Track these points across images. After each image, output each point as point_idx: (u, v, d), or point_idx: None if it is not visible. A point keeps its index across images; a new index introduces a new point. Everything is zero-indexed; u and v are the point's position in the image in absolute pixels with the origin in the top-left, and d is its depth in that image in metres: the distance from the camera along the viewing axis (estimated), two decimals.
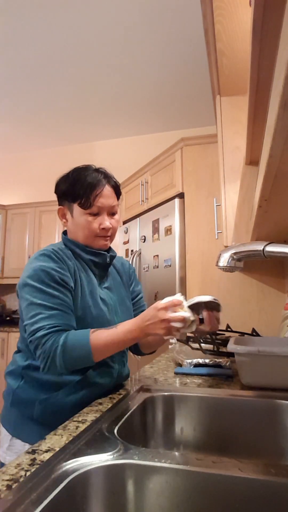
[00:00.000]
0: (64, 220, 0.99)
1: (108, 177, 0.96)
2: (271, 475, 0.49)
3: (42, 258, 0.87)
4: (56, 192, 0.98)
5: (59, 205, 0.99)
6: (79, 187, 0.92)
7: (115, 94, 3.19)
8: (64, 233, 1.02)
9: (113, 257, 1.02)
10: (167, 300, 0.79)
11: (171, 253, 2.25)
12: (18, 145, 4.18)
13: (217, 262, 1.11)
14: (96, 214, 0.93)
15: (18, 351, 0.96)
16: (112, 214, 0.96)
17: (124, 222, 3.02)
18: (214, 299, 0.84)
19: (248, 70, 0.88)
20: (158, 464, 0.53)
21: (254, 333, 1.68)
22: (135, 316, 1.07)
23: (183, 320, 0.76)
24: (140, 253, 2.64)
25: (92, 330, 0.81)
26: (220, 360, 1.15)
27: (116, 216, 0.98)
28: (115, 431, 0.65)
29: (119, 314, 0.99)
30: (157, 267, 2.40)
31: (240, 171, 1.73)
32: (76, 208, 0.93)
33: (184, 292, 2.18)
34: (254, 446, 0.83)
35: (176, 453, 0.56)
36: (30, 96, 3.22)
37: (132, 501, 0.53)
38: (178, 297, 0.80)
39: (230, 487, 0.50)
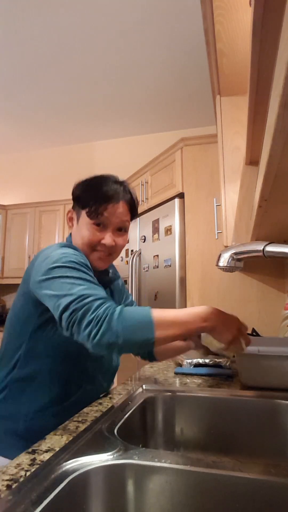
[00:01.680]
0: (70, 224, 0.94)
1: (126, 192, 0.90)
2: (271, 475, 0.49)
3: (65, 249, 0.82)
4: (72, 195, 0.93)
5: (72, 208, 0.94)
6: (91, 195, 0.86)
7: (115, 94, 3.18)
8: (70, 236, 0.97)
9: (116, 276, 0.97)
10: None
11: (171, 253, 2.25)
12: (18, 145, 4.18)
13: (217, 262, 1.10)
14: (101, 226, 0.87)
15: (0, 357, 0.88)
16: (119, 229, 0.89)
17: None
18: None
19: (248, 70, 0.88)
20: (158, 464, 0.53)
21: (254, 333, 1.68)
22: None
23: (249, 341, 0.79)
24: (140, 253, 2.64)
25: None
26: (220, 360, 1.15)
27: (125, 235, 0.91)
28: (115, 431, 0.65)
29: None
30: (157, 267, 2.40)
31: (240, 171, 1.73)
32: (83, 215, 0.88)
33: (184, 292, 2.18)
34: (254, 446, 0.83)
35: (176, 453, 0.56)
36: (30, 96, 3.22)
37: (132, 501, 0.53)
38: None
39: (230, 487, 0.50)
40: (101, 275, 0.93)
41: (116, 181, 0.90)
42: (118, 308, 0.69)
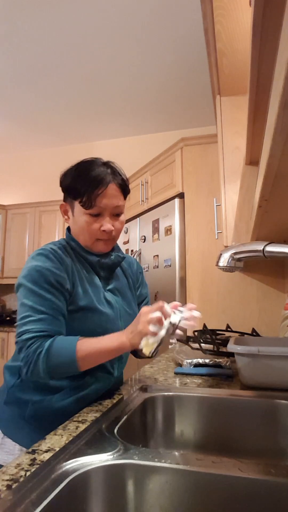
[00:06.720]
0: (66, 217, 0.94)
1: (115, 173, 0.88)
2: (271, 475, 0.49)
3: (38, 257, 0.83)
4: (60, 186, 0.91)
5: (63, 200, 0.93)
6: (81, 184, 0.85)
7: (115, 94, 3.18)
8: (68, 229, 0.97)
9: (121, 258, 0.97)
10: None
11: (171, 253, 2.25)
12: (18, 145, 4.18)
13: (217, 262, 1.11)
14: (97, 215, 0.87)
15: None
16: (116, 215, 0.90)
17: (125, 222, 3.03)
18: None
19: (248, 70, 0.88)
20: (158, 464, 0.53)
21: (254, 333, 1.68)
22: None
23: (159, 320, 0.73)
24: (140, 253, 2.64)
25: (80, 337, 0.78)
26: (220, 360, 1.15)
27: (121, 217, 0.91)
28: (115, 431, 0.65)
29: (125, 318, 0.94)
30: (157, 267, 2.40)
31: (240, 171, 1.73)
32: (77, 206, 0.87)
33: (184, 292, 2.18)
34: (254, 446, 0.83)
35: (176, 453, 0.56)
36: (30, 96, 3.22)
37: (132, 501, 0.53)
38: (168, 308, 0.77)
39: (230, 487, 0.50)
40: (105, 257, 0.94)
41: (102, 163, 0.89)
42: (46, 345, 0.74)
